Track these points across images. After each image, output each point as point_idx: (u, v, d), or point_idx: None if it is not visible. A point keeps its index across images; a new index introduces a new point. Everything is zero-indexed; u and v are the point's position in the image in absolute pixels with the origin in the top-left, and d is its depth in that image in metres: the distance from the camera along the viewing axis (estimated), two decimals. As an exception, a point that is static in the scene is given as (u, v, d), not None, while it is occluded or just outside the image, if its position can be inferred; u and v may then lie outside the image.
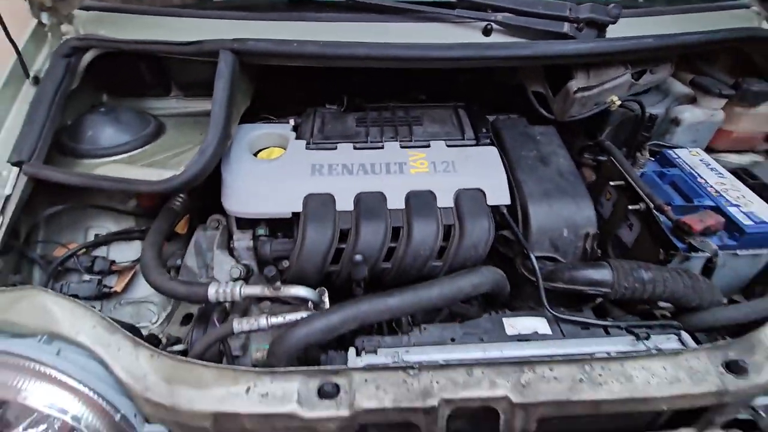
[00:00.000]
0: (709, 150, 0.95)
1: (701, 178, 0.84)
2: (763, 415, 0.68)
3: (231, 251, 0.85)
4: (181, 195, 0.89)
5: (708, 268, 0.75)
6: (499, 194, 0.80)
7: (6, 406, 0.58)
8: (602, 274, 0.70)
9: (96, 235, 0.90)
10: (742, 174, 0.87)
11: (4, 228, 0.73)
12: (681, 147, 0.93)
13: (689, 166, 0.87)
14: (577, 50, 0.81)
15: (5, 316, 0.60)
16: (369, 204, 0.77)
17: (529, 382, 0.62)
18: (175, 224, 0.90)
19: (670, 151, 0.91)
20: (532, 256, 0.73)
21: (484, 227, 0.76)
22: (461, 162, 0.83)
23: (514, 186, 0.81)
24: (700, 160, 0.88)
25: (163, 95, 1.10)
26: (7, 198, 0.74)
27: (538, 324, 0.71)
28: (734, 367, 0.64)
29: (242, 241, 0.84)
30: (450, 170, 0.82)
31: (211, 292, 0.69)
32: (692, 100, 0.94)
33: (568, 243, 0.76)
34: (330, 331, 0.66)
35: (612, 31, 0.86)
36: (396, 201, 0.79)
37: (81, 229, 0.90)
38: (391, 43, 0.78)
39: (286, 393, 0.60)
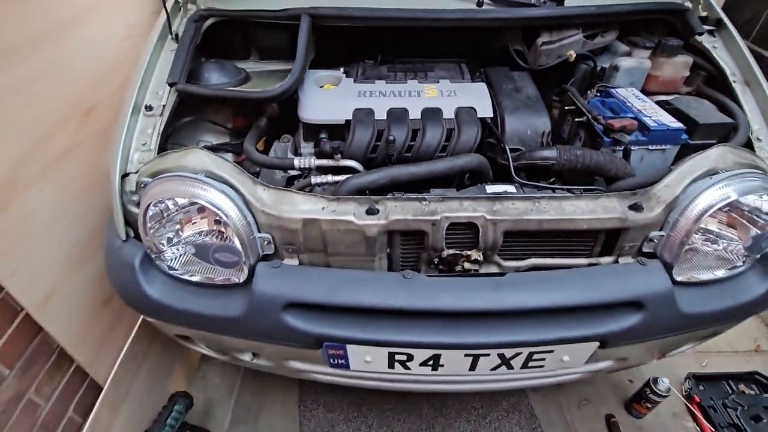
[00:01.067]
0: (643, 92, 1.30)
1: (629, 103, 1.19)
2: (655, 241, 1.02)
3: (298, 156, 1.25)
4: (264, 119, 1.29)
5: (626, 155, 1.10)
6: (485, 110, 1.18)
7: (180, 207, 0.96)
8: (550, 152, 1.06)
9: (203, 146, 1.30)
10: (662, 103, 1.22)
11: (162, 128, 1.12)
12: (620, 87, 1.28)
13: (623, 96, 1.22)
14: (540, 14, 1.20)
15: (179, 163, 0.99)
16: (397, 115, 1.16)
17: (498, 209, 0.98)
18: (260, 139, 1.30)
19: (612, 90, 1.27)
20: (506, 147, 1.10)
21: (474, 130, 1.13)
22: (460, 91, 1.22)
23: (496, 105, 1.19)
24: (632, 94, 1.24)
25: (244, 58, 1.51)
26: (164, 107, 1.14)
27: (508, 188, 1.07)
28: (634, 207, 0.99)
29: (307, 148, 1.23)
30: (452, 96, 1.20)
31: (296, 161, 1.09)
32: (629, 55, 1.31)
33: (531, 139, 1.13)
34: (371, 183, 1.03)
35: (569, 2, 1.25)
36: (415, 114, 1.17)
37: (194, 140, 1.30)
38: (414, 8, 1.18)
39: (346, 210, 0.97)
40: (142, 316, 1.42)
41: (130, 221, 1.07)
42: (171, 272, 1.03)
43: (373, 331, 0.97)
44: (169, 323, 1.08)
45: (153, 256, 1.02)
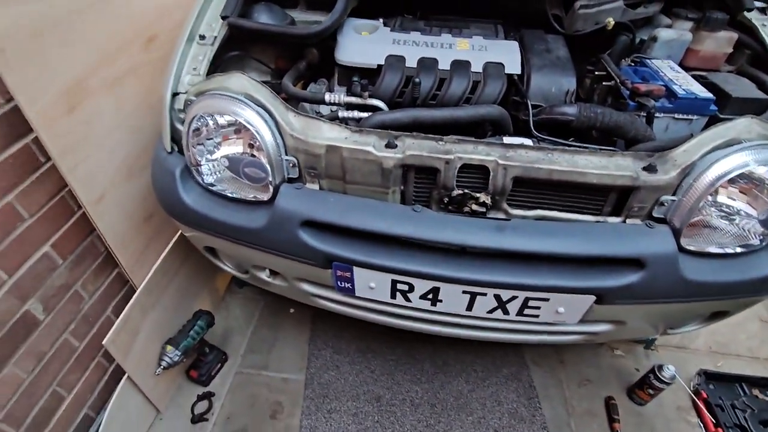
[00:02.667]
0: (681, 67, 1.28)
1: (662, 72, 1.19)
2: (666, 205, 1.03)
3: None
4: (305, 62, 1.38)
5: (649, 119, 1.10)
6: (513, 66, 1.21)
7: (220, 126, 1.07)
8: (570, 108, 1.08)
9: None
10: (697, 77, 1.20)
11: (211, 56, 1.23)
12: (657, 59, 1.27)
13: (657, 67, 1.22)
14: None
15: (223, 84, 1.09)
16: (427, 63, 1.21)
17: (510, 156, 1.02)
18: (298, 79, 1.39)
19: (647, 60, 1.26)
20: (528, 101, 1.14)
21: (499, 84, 1.17)
22: (491, 47, 1.25)
23: (524, 63, 1.21)
24: (668, 65, 1.23)
25: (292, 7, 1.59)
26: (215, 38, 1.25)
27: (526, 141, 1.11)
28: (649, 168, 1.00)
29: (340, 91, 1.31)
30: (483, 51, 1.24)
31: (327, 96, 1.17)
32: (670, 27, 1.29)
33: (555, 97, 1.16)
34: (394, 120, 1.10)
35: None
36: (445, 65, 1.22)
37: (238, 75, 1.41)
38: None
39: (367, 141, 1.04)
40: (176, 236, 1.57)
41: (175, 137, 1.19)
42: (206, 185, 1.15)
43: (378, 256, 1.05)
44: (199, 231, 1.20)
45: (192, 168, 1.14)
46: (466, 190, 1.03)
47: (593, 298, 1.04)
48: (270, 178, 1.08)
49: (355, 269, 1.09)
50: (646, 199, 1.02)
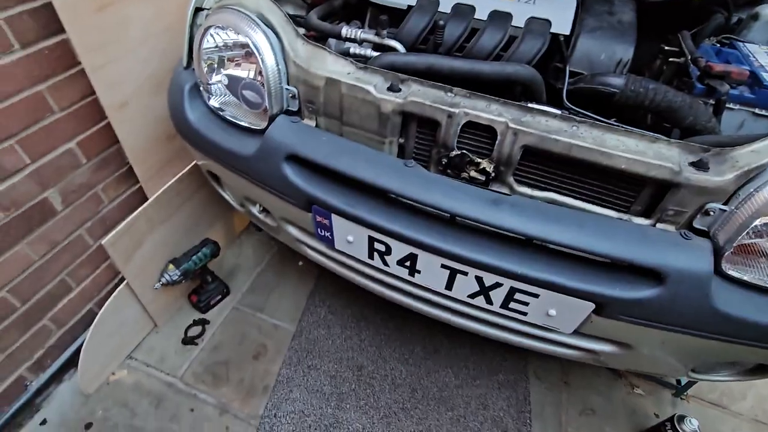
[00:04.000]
0: (787, 58, 1.02)
1: (753, 57, 0.94)
2: (712, 215, 0.82)
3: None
4: (340, 0, 1.30)
5: (718, 109, 0.88)
6: (562, 26, 1.03)
7: (229, 46, 1.03)
8: (615, 78, 0.90)
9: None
10: (803, 70, 0.94)
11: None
12: (753, 43, 1.02)
13: (749, 51, 0.97)
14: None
15: (240, 0, 1.06)
16: (461, 10, 1.07)
17: (526, 120, 0.87)
18: (329, 15, 1.31)
19: (739, 42, 1.01)
20: (567, 66, 0.96)
21: (538, 42, 1.00)
22: (542, 1, 1.08)
23: (576, 23, 1.03)
24: (765, 51, 0.98)
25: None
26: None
27: (555, 110, 0.94)
28: (698, 164, 0.80)
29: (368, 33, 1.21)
30: (530, 4, 1.07)
31: (344, 30, 1.08)
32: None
33: (603, 65, 0.97)
34: (407, 64, 0.98)
35: None
36: (482, 14, 1.07)
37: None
38: None
39: (370, 81, 0.95)
40: (194, 161, 1.59)
41: (193, 54, 1.18)
42: (210, 106, 1.13)
43: (357, 207, 0.96)
44: (199, 151, 1.19)
45: (200, 85, 1.12)
46: (464, 151, 0.90)
47: (592, 306, 0.87)
48: (266, 105, 1.02)
49: (334, 218, 1.01)
50: (687, 203, 0.83)
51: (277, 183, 1.03)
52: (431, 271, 0.98)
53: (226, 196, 1.40)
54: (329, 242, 1.10)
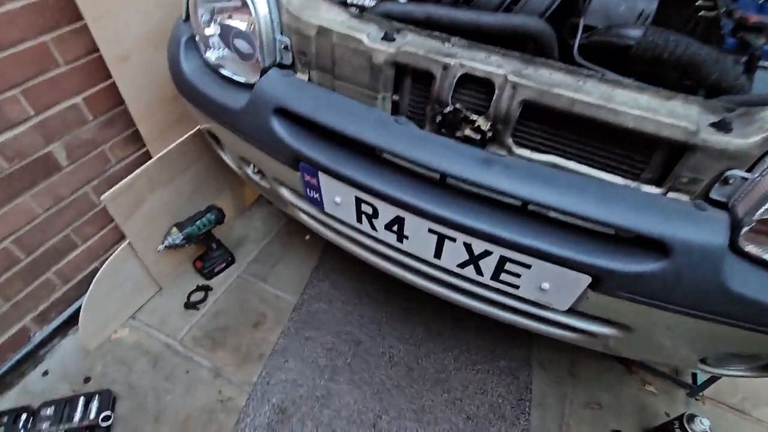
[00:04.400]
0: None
1: (799, 11, 0.83)
2: (732, 184, 0.73)
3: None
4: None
5: (750, 65, 0.78)
6: (580, -25, 0.94)
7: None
8: (632, 30, 0.80)
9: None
10: None
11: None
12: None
13: (795, 4, 0.85)
14: None
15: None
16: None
17: (527, 73, 0.79)
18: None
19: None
20: (582, 19, 0.87)
21: (552, -4, 0.92)
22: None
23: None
24: (813, 6, 0.86)
25: None
26: None
27: (560, 63, 0.86)
28: (720, 125, 0.71)
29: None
30: (546, -47, 0.98)
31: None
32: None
33: (622, 17, 0.87)
34: (405, 14, 0.92)
35: None
36: (492, -36, 0.99)
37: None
38: None
39: (363, 29, 0.89)
40: (198, 126, 1.58)
41: (194, 8, 1.15)
42: (205, 58, 1.10)
43: (343, 165, 0.91)
44: (193, 105, 1.17)
45: (196, 36, 1.10)
46: (458, 105, 0.84)
47: (588, 279, 0.80)
48: (258, 56, 0.99)
49: (321, 177, 0.97)
50: (703, 169, 0.73)
51: (265, 138, 1.00)
52: (419, 237, 0.93)
53: (226, 158, 1.39)
54: (318, 204, 1.06)
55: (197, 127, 1.57)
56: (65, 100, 1.33)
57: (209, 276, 1.83)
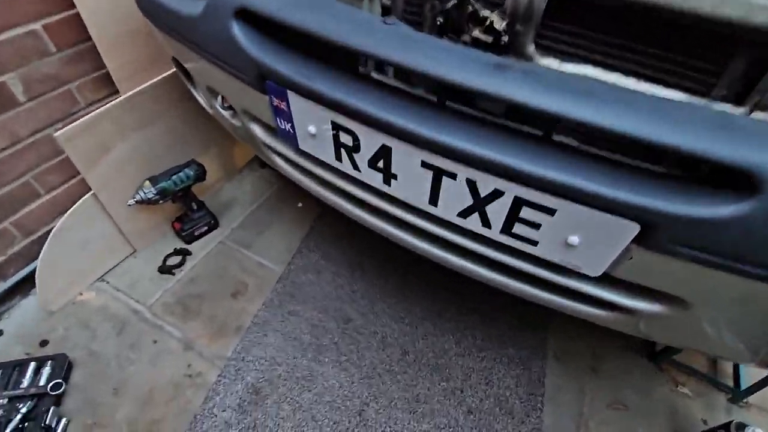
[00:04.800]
0: None
1: None
2: None
3: None
4: None
5: None
6: None
7: None
8: None
9: None
10: None
11: None
12: None
13: None
14: None
15: None
16: None
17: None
18: None
19: None
20: None
21: None
22: None
23: None
24: None
25: None
26: None
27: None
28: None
29: None
30: None
31: None
32: None
33: None
34: None
35: None
36: None
37: None
38: None
39: None
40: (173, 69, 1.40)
41: None
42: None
43: (316, 79, 0.71)
44: (146, 16, 0.99)
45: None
46: (467, 4, 0.62)
47: (636, 228, 0.58)
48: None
49: (291, 98, 0.77)
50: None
51: (225, 49, 0.80)
52: (410, 174, 0.73)
53: (197, 95, 1.20)
54: (292, 139, 0.86)
55: (173, 70, 1.39)
56: (21, 24, 1.16)
57: (189, 240, 1.66)
